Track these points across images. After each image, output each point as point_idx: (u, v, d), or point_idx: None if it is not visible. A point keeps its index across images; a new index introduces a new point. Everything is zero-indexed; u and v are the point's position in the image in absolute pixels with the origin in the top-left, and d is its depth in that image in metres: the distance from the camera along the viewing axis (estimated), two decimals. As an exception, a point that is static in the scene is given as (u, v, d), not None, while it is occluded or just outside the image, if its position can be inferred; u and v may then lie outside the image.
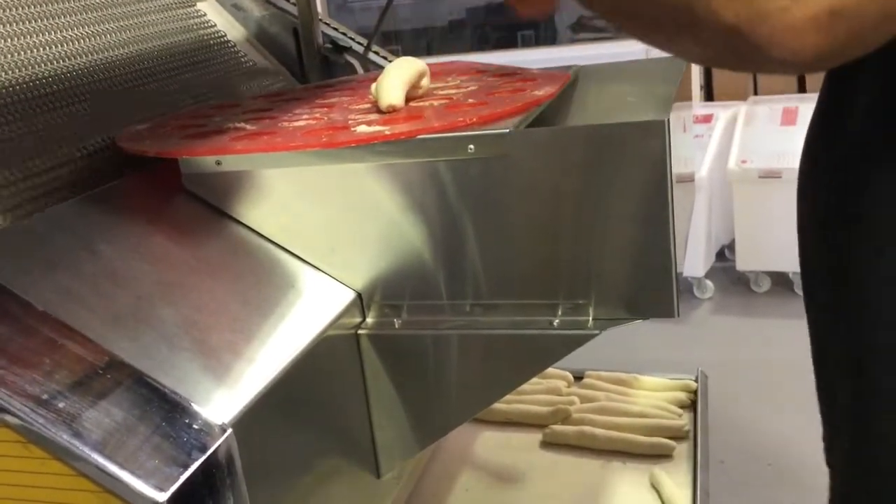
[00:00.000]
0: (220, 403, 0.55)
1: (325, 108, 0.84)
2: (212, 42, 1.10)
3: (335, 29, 1.24)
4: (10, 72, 0.81)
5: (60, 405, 0.49)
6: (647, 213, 0.63)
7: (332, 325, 0.69)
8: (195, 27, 1.10)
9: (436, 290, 0.71)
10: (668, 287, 0.64)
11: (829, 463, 0.70)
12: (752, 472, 1.88)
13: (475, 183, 0.66)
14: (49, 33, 0.88)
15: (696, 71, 3.13)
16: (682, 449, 1.09)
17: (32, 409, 0.49)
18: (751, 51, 0.46)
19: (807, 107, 2.84)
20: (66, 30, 0.90)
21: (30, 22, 0.86)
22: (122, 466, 0.48)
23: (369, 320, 0.74)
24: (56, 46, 0.88)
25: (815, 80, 3.01)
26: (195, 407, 0.54)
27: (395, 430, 0.76)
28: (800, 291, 3.03)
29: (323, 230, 0.72)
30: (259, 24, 1.21)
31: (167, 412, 0.53)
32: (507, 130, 0.64)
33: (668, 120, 0.60)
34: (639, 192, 0.62)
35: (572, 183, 0.64)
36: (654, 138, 0.60)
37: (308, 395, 0.66)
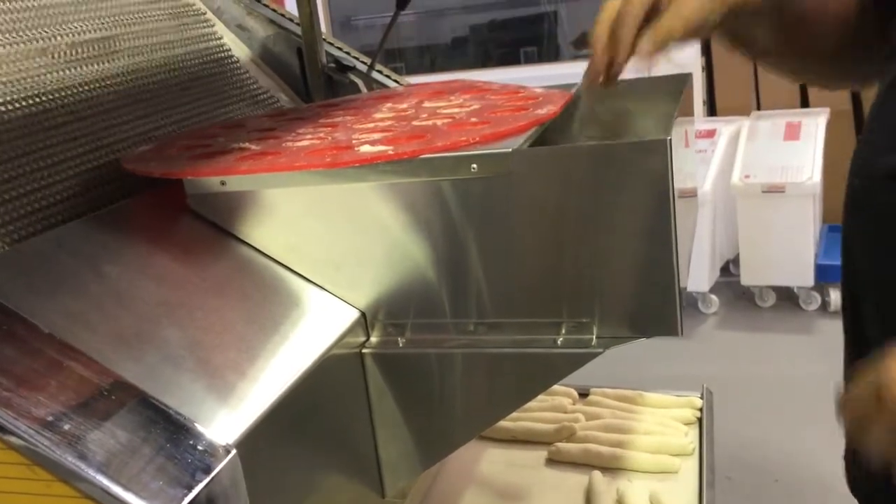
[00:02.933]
0: (225, 424, 0.55)
1: (329, 128, 0.85)
2: (217, 62, 1.11)
3: (339, 48, 1.25)
4: (12, 88, 0.81)
5: (65, 427, 0.50)
6: (650, 232, 0.63)
7: (337, 344, 0.69)
8: (204, 50, 1.11)
9: (439, 309, 0.71)
10: (672, 305, 0.64)
11: None
12: (760, 488, 1.87)
13: (478, 202, 0.67)
14: (53, 51, 0.88)
15: (698, 86, 3.14)
16: (688, 466, 1.08)
17: (37, 430, 0.49)
18: None
19: (810, 121, 2.85)
20: (71, 49, 0.91)
21: (36, 43, 0.87)
22: (126, 488, 0.48)
23: (373, 339, 0.74)
24: (61, 68, 0.88)
25: (818, 95, 3.00)
26: (199, 428, 0.54)
27: (400, 449, 0.76)
28: (804, 306, 3.00)
29: (327, 249, 0.72)
30: (263, 44, 1.22)
31: (171, 433, 0.53)
32: (510, 150, 0.65)
33: (671, 139, 0.60)
34: (641, 211, 0.63)
35: (575, 201, 0.64)
36: (655, 157, 0.61)
37: (312, 415, 0.66)
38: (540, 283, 0.68)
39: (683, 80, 0.91)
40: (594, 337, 0.67)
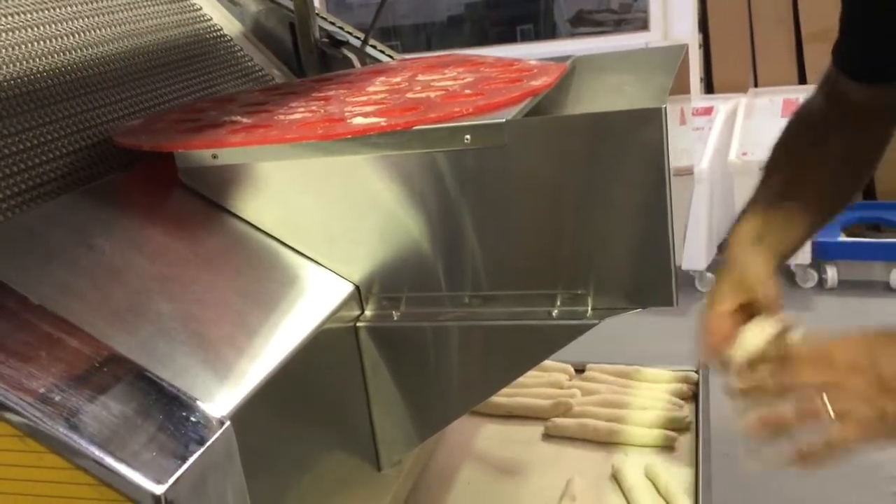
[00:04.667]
0: (219, 397, 0.55)
1: (322, 101, 0.84)
2: (208, 36, 1.10)
3: (332, 23, 1.24)
4: (4, 66, 0.81)
5: (57, 399, 0.49)
6: (646, 201, 0.62)
7: (331, 318, 0.69)
8: (191, 21, 1.10)
9: (434, 282, 0.71)
10: (667, 275, 0.64)
11: None
12: (756, 464, 1.88)
13: (472, 173, 0.66)
14: (43, 27, 0.87)
15: (695, 63, 3.12)
16: (685, 440, 1.09)
17: (30, 403, 0.48)
18: None
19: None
20: (61, 24, 0.90)
21: (24, 15, 0.86)
22: (119, 459, 0.47)
23: (368, 313, 0.73)
24: (51, 41, 0.87)
25: (816, 71, 2.98)
26: (193, 400, 0.54)
27: (395, 423, 0.75)
28: (801, 283, 3.00)
29: (320, 223, 0.72)
30: (255, 19, 1.21)
31: (165, 405, 0.52)
32: (503, 120, 0.64)
33: (665, 107, 0.60)
34: (637, 180, 0.62)
35: (569, 172, 0.64)
36: (651, 125, 0.60)
37: (307, 389, 0.66)
38: (535, 254, 0.67)
39: (678, 52, 0.90)
40: (589, 308, 0.67)
